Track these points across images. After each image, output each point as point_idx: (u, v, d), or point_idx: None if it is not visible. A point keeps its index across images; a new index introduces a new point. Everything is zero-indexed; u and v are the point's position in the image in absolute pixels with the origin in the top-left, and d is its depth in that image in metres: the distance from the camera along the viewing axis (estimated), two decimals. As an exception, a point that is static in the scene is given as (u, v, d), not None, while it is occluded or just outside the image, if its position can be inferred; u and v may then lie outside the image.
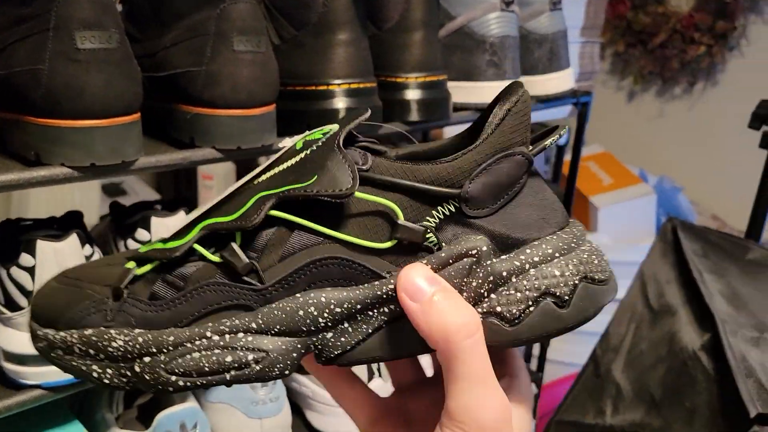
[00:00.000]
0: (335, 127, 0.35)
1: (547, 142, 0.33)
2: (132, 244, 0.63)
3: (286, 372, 0.32)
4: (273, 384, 0.75)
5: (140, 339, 0.32)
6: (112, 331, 0.32)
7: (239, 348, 0.32)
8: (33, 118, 0.52)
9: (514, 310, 0.32)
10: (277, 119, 0.65)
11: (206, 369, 0.32)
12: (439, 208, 0.33)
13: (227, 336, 0.32)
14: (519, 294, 0.32)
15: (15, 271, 0.55)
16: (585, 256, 0.33)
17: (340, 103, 0.67)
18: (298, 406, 0.86)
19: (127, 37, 0.62)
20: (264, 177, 0.34)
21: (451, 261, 0.32)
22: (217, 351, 0.32)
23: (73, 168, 0.52)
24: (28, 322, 0.35)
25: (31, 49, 0.51)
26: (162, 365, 0.32)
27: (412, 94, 0.74)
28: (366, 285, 0.33)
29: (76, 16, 0.50)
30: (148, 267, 0.34)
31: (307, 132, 0.36)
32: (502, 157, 0.32)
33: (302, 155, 0.34)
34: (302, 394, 0.84)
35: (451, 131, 1.27)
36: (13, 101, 0.53)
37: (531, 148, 0.33)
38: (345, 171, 0.32)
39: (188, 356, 0.32)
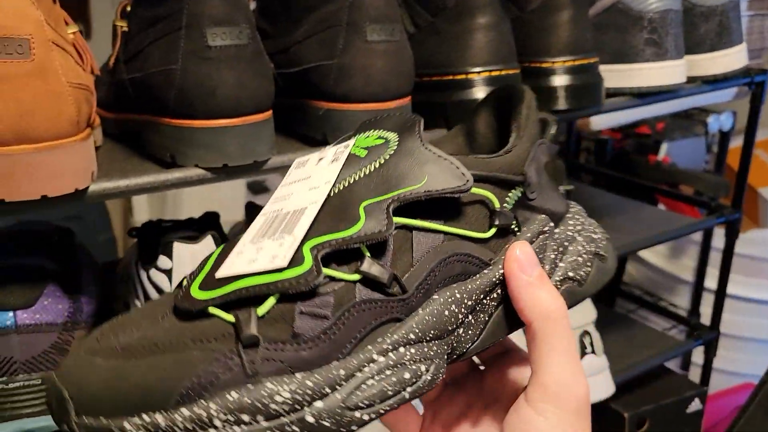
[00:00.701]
0: (389, 135, 0.35)
1: (553, 130, 0.40)
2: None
3: (444, 376, 0.32)
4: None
5: (308, 383, 0.27)
6: (270, 385, 0.27)
7: (409, 362, 0.30)
8: (168, 119, 0.51)
9: (582, 272, 0.37)
10: (413, 112, 0.61)
11: (389, 392, 0.29)
12: (510, 194, 0.36)
13: (392, 354, 0.30)
14: (580, 258, 0.37)
15: (154, 273, 0.55)
16: (593, 220, 0.40)
17: (480, 93, 0.62)
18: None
19: (260, 34, 0.60)
20: (339, 189, 0.32)
21: (533, 240, 0.35)
22: (389, 372, 0.29)
23: (206, 169, 0.51)
24: (76, 423, 0.27)
25: (164, 49, 0.51)
26: (341, 404, 0.28)
27: (560, 80, 0.67)
28: (480, 275, 0.34)
29: (206, 13, 0.49)
30: (270, 303, 0.29)
31: (342, 141, 0.38)
32: (538, 146, 0.37)
33: (380, 161, 0.33)
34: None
35: (601, 120, 1.18)
36: (150, 103, 0.53)
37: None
38: (450, 167, 0.33)
39: (364, 386, 0.28)
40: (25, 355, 0.49)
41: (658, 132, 1.28)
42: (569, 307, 0.34)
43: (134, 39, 0.55)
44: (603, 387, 0.86)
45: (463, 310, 0.32)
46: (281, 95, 0.62)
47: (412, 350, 0.30)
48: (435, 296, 0.32)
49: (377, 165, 0.33)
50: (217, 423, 0.26)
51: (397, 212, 0.32)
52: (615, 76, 0.74)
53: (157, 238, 0.57)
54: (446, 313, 0.32)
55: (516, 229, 0.35)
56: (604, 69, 0.74)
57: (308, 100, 0.59)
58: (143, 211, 1.59)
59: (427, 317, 0.31)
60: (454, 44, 0.62)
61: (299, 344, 0.28)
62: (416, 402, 0.37)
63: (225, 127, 0.50)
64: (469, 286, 0.33)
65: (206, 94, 0.49)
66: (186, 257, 0.54)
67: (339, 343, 0.29)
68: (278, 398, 0.27)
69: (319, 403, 0.27)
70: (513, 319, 0.34)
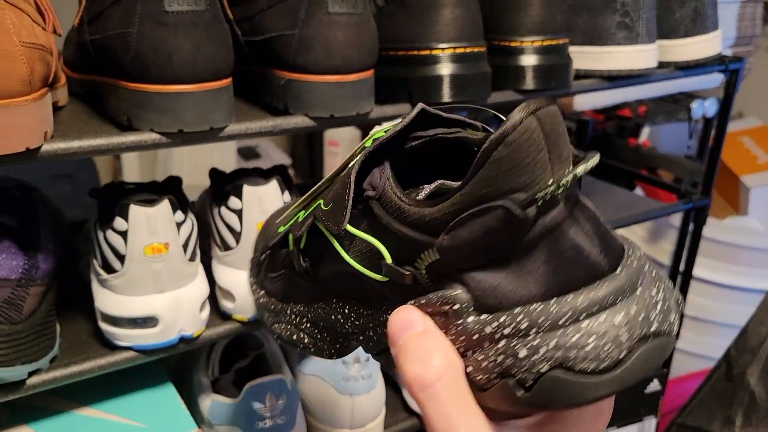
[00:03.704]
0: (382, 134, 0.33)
1: (549, 190, 0.26)
2: (225, 212, 0.62)
3: (334, 358, 0.40)
4: (366, 361, 0.72)
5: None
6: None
7: (302, 330, 0.42)
8: (124, 82, 0.52)
9: (527, 378, 0.27)
10: (377, 87, 0.62)
11: (293, 338, 0.42)
12: (424, 253, 0.29)
13: (295, 317, 0.43)
14: (493, 361, 0.28)
15: (110, 234, 0.56)
16: (638, 306, 0.26)
17: (445, 69, 0.62)
18: (396, 384, 0.84)
19: (228, 0, 0.60)
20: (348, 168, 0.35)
21: (430, 310, 0.29)
22: (289, 326, 0.43)
23: (162, 134, 0.52)
24: None
25: (122, 12, 0.51)
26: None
27: (528, 60, 0.67)
28: (375, 308, 0.35)
29: (163, -22, 0.49)
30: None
31: (380, 128, 0.35)
32: (480, 211, 0.26)
33: (341, 169, 0.35)
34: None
35: (584, 101, 1.18)
36: (109, 65, 0.53)
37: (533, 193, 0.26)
38: (344, 204, 0.32)
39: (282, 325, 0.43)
40: (-23, 309, 0.50)
41: (639, 115, 1.28)
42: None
43: (97, 1, 0.55)
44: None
45: (348, 324, 0.37)
46: (247, 63, 0.62)
47: (308, 324, 0.40)
48: (334, 300, 0.38)
49: (337, 170, 0.35)
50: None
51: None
52: (586, 58, 0.74)
53: (116, 199, 0.57)
54: (333, 317, 0.38)
55: (426, 286, 0.30)
56: (576, 50, 0.74)
57: (271, 69, 0.59)
58: (133, 172, 1.60)
59: (320, 311, 0.39)
60: (421, 19, 0.62)
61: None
62: None
63: (180, 92, 0.51)
64: (360, 311, 0.36)
65: (162, 59, 0.50)
66: (142, 220, 0.55)
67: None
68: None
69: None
70: None
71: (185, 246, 0.58)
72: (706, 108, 1.30)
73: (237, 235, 0.62)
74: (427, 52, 0.62)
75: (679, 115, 1.35)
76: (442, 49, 0.62)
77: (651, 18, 0.73)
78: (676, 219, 1.36)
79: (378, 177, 0.31)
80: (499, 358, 0.27)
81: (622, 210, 0.90)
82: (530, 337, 0.27)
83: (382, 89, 0.63)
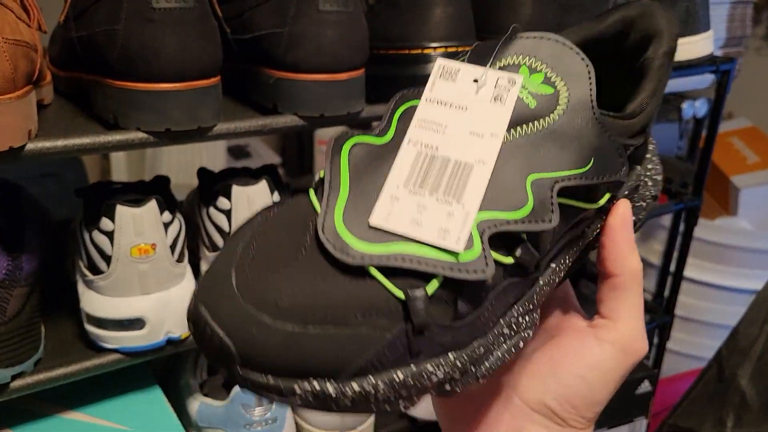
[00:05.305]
0: (558, 83, 0.30)
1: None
2: (213, 213, 0.61)
3: None
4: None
5: (458, 363, 0.28)
6: (429, 367, 0.27)
7: (523, 330, 0.31)
8: (111, 80, 0.51)
9: (641, 216, 0.37)
10: (367, 86, 0.61)
11: (504, 358, 0.30)
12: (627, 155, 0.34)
13: (513, 325, 0.30)
14: (643, 203, 0.37)
15: (96, 234, 0.55)
16: (658, 157, 0.39)
17: (436, 69, 0.61)
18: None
19: (216, -3, 0.59)
20: (510, 139, 0.29)
21: (630, 197, 0.36)
22: (508, 341, 0.30)
23: (149, 133, 0.51)
24: (241, 376, 0.26)
25: (108, 9, 0.50)
26: (474, 374, 0.29)
27: (519, 60, 0.67)
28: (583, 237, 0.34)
29: (150, -26, 0.48)
30: (436, 284, 0.27)
31: (492, 56, 0.31)
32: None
33: (550, 120, 0.30)
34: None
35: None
36: (95, 63, 0.52)
37: None
38: (613, 149, 0.31)
39: (492, 356, 0.29)
40: (-41, 310, 0.49)
41: (631, 116, 1.28)
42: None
43: (83, -4, 0.54)
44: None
45: (563, 272, 0.33)
46: (236, 61, 0.61)
47: (527, 318, 0.31)
48: (552, 264, 0.32)
49: (545, 125, 0.30)
50: (380, 396, 0.26)
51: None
52: (578, 57, 0.74)
53: (103, 199, 0.56)
54: (556, 279, 0.33)
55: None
56: (568, 50, 0.73)
57: (260, 67, 0.59)
58: (121, 171, 1.58)
59: (544, 287, 0.32)
60: (412, 18, 0.61)
61: (456, 327, 0.28)
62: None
63: (168, 91, 0.50)
64: (573, 248, 0.34)
65: (149, 57, 0.49)
66: (129, 220, 0.54)
67: (484, 323, 0.29)
68: (434, 378, 0.27)
69: (456, 375, 0.28)
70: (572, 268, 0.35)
71: (173, 247, 0.57)
72: (696, 108, 1.31)
73: (226, 236, 0.61)
74: (418, 51, 0.62)
75: (670, 115, 1.35)
76: (434, 48, 0.61)
77: (643, 18, 0.73)
78: (667, 219, 1.37)
79: None
80: (651, 191, 0.38)
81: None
82: (657, 166, 0.38)
83: (373, 88, 0.62)
